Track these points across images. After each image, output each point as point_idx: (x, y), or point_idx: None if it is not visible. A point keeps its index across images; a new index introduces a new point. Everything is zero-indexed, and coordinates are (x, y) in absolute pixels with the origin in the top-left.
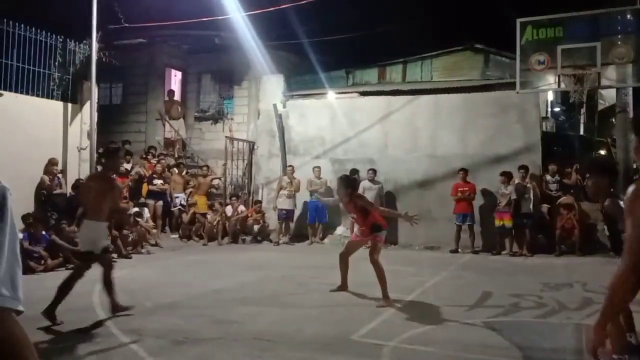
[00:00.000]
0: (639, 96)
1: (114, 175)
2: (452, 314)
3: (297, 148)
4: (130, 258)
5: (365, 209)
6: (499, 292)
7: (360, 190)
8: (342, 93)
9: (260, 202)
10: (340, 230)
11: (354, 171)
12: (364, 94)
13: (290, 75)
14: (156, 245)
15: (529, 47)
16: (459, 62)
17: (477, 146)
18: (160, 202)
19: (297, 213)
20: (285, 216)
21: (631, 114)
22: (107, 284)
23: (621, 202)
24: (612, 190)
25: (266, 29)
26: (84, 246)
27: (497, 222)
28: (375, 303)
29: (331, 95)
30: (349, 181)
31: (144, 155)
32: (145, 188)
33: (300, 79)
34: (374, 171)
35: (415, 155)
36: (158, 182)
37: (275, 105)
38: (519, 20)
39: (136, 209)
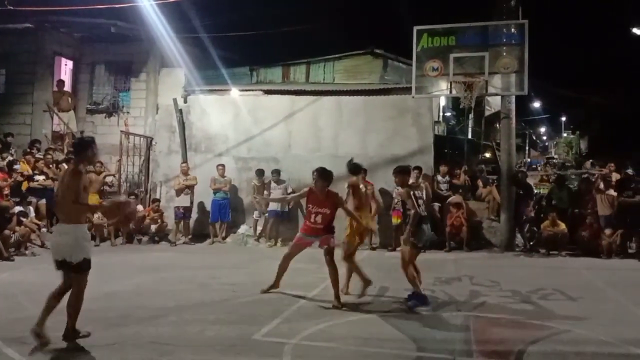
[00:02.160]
0: (521, 104)
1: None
2: (352, 309)
3: (198, 145)
4: (13, 260)
5: (335, 208)
6: (394, 287)
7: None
8: (246, 90)
9: (159, 200)
10: (243, 229)
11: (260, 172)
12: (268, 92)
13: (193, 70)
14: (43, 246)
15: (424, 54)
16: (359, 65)
17: (376, 147)
18: (44, 200)
19: (194, 211)
20: (183, 215)
21: (514, 120)
22: None
23: None
24: None
25: (168, 20)
26: None
27: (395, 220)
28: (277, 302)
29: (235, 92)
30: (329, 175)
31: (28, 150)
32: (25, 185)
33: (203, 74)
34: (278, 172)
35: (318, 154)
36: (40, 178)
37: (175, 100)
38: (415, 28)
39: (20, 208)
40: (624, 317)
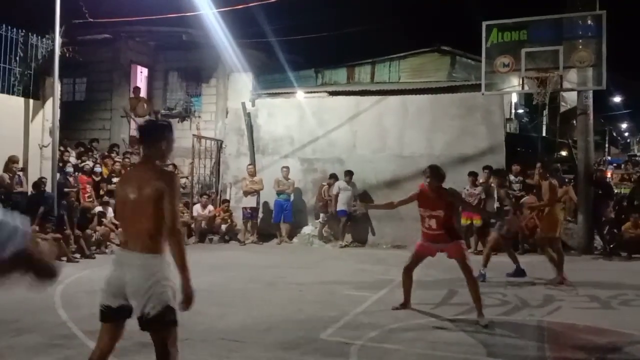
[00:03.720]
0: (599, 99)
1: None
2: (419, 312)
3: (265, 147)
4: (94, 258)
5: (451, 208)
6: (463, 290)
7: (335, 191)
8: (311, 92)
9: (228, 201)
10: (308, 229)
11: (333, 176)
12: (332, 93)
13: (259, 74)
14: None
15: (494, 49)
16: (426, 63)
17: (443, 146)
18: None
19: (260, 211)
20: (250, 215)
21: (591, 116)
22: None
23: None
24: None
25: (235, 26)
26: None
27: (464, 221)
28: (343, 302)
29: (300, 94)
30: (442, 173)
31: (107, 153)
32: (105, 188)
33: (269, 77)
34: (351, 173)
35: (383, 155)
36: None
37: (243, 104)
38: (484, 23)
39: (100, 209)
40: None
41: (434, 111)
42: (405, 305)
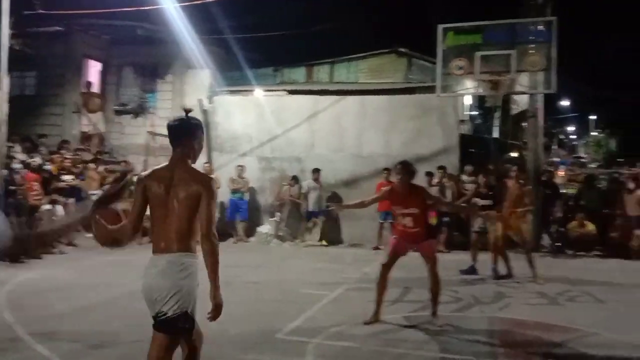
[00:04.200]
0: (549, 102)
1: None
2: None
3: (223, 145)
4: (40, 258)
5: (426, 205)
6: (418, 287)
7: (304, 190)
8: (270, 91)
9: None
10: (265, 228)
11: (294, 178)
12: (291, 92)
13: (217, 71)
14: (70, 244)
15: (450, 52)
16: (383, 64)
17: (400, 147)
18: (72, 200)
19: (217, 210)
20: None
21: (541, 119)
22: None
23: None
24: None
25: (193, 22)
26: None
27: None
28: (300, 301)
29: (259, 92)
30: (413, 169)
31: (56, 150)
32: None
33: (228, 75)
34: (319, 171)
35: (341, 154)
36: (67, 177)
37: (200, 101)
38: (440, 26)
39: (48, 207)
40: None
41: (391, 112)
42: (377, 316)
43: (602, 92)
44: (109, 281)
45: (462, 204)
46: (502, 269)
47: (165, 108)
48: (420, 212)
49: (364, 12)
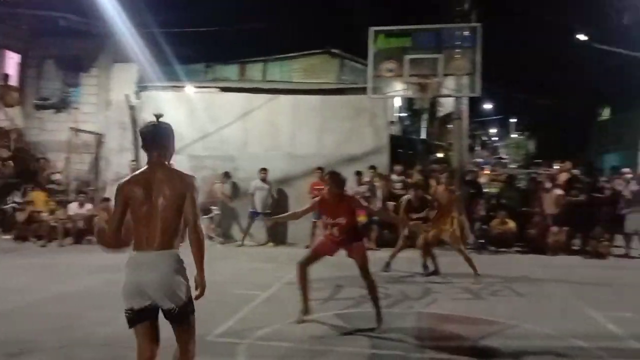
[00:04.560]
0: (473, 105)
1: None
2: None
3: None
4: None
5: (354, 214)
6: (349, 285)
7: (250, 190)
8: (202, 87)
9: (109, 199)
10: None
11: (226, 174)
12: (224, 89)
13: (146, 66)
14: None
15: (380, 55)
16: (316, 65)
17: (332, 146)
18: None
19: None
20: None
21: (466, 121)
22: None
23: None
24: None
25: (121, 14)
26: None
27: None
28: (232, 302)
29: (190, 89)
30: (342, 180)
31: None
32: None
33: (157, 69)
34: (266, 170)
35: (275, 153)
36: None
37: (128, 96)
38: (371, 29)
39: None
40: (569, 312)
41: (324, 112)
42: (307, 313)
43: (520, 96)
44: (26, 286)
45: (392, 215)
46: (431, 266)
47: (89, 103)
48: (348, 221)
49: (297, 11)
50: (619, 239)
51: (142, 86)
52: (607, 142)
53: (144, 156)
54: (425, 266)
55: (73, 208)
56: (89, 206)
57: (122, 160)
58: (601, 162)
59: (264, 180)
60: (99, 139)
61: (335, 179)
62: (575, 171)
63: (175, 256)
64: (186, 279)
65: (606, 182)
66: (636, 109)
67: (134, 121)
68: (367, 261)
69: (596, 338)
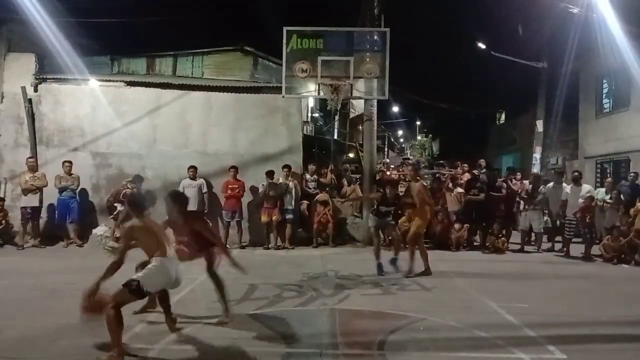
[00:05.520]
0: (382, 107)
1: None
2: (221, 309)
3: (50, 138)
4: None
5: (196, 234)
6: (264, 284)
7: (180, 189)
8: (107, 81)
9: (3, 199)
10: (100, 230)
11: (138, 178)
12: (131, 84)
13: (45, 56)
14: None
15: (294, 55)
16: (229, 62)
17: (247, 145)
18: None
19: (44, 211)
20: (30, 215)
21: (375, 123)
22: None
23: None
24: None
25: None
26: None
27: (265, 218)
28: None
29: (94, 82)
30: (183, 197)
31: None
32: None
33: (57, 61)
34: (195, 168)
35: (186, 151)
36: None
37: (24, 88)
38: (285, 29)
39: None
40: (471, 304)
41: (237, 110)
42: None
43: (425, 100)
44: None
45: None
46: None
47: None
48: (190, 239)
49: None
50: (515, 235)
51: (40, 78)
52: (504, 144)
53: (42, 153)
54: (388, 264)
55: None
56: None
57: (18, 158)
58: (500, 163)
59: (193, 178)
60: None
61: (173, 198)
62: (476, 172)
63: None
64: None
65: (503, 182)
66: (525, 113)
67: (31, 115)
68: (215, 263)
69: (496, 328)
